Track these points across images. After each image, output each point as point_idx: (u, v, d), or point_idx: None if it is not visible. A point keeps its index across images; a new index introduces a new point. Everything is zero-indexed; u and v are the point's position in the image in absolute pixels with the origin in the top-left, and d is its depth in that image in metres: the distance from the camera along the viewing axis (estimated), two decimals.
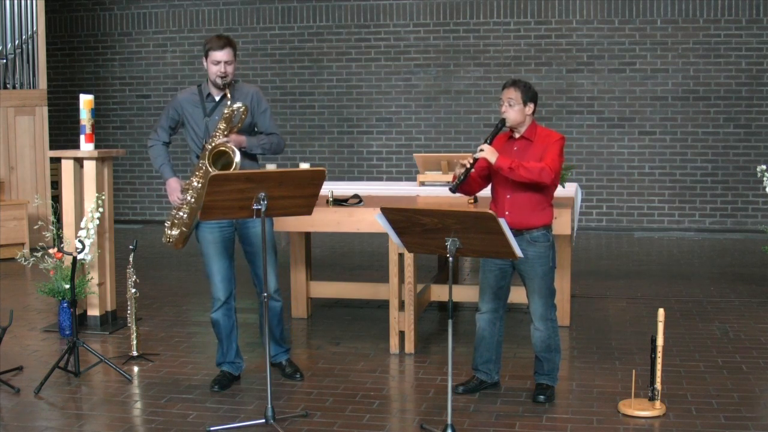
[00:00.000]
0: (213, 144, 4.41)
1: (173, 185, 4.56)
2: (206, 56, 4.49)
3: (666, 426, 4.00)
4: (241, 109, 4.44)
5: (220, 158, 4.39)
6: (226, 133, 4.43)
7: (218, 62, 4.45)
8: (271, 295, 4.67)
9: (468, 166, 4.21)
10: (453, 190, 4.31)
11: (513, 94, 4.24)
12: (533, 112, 4.29)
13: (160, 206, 11.75)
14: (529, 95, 4.26)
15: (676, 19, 10.26)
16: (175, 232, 4.59)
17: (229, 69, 4.47)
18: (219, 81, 4.47)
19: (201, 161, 4.46)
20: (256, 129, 4.67)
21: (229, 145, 4.39)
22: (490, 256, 4.13)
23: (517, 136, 4.32)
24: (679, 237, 10.12)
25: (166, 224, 4.63)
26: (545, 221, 4.29)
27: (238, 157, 4.36)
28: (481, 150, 4.17)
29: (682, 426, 3.98)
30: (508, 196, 4.27)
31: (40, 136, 9.26)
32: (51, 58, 11.03)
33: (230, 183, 3.89)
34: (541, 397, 4.32)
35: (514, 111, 4.24)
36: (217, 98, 4.56)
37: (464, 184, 4.33)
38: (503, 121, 4.27)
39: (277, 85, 11.22)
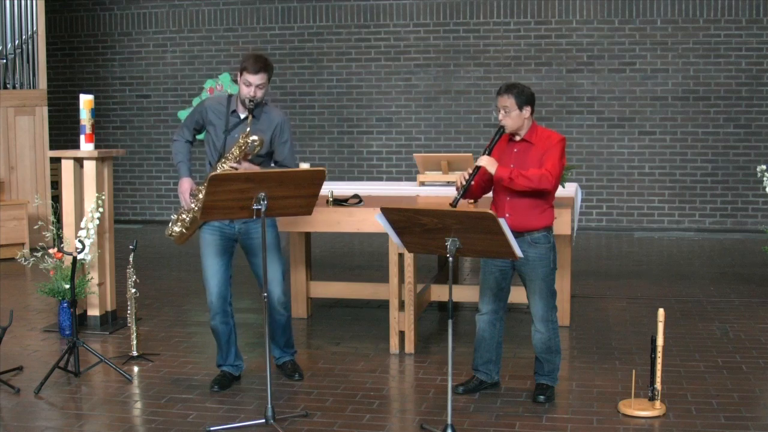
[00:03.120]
0: (221, 169, 4.37)
1: (185, 186, 4.55)
2: (240, 74, 4.42)
3: (666, 426, 4.00)
4: (256, 143, 4.41)
5: None
6: (238, 159, 4.41)
7: (250, 84, 4.39)
8: (275, 306, 4.62)
9: (467, 178, 4.20)
10: (454, 205, 4.21)
11: (507, 102, 4.19)
12: (531, 114, 4.27)
13: (160, 206, 11.75)
14: (523, 99, 4.20)
15: (676, 19, 10.26)
16: (177, 229, 4.64)
17: (260, 93, 4.41)
18: (247, 103, 4.41)
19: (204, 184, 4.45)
20: (273, 157, 4.62)
21: (237, 172, 4.36)
22: (490, 257, 4.13)
23: (517, 139, 4.30)
24: (679, 237, 10.12)
25: (172, 217, 4.67)
26: (546, 223, 4.29)
27: None
28: (480, 160, 4.16)
29: (682, 426, 3.99)
30: (508, 199, 4.25)
31: (40, 136, 9.25)
32: (51, 58, 11.03)
33: (230, 183, 3.89)
34: (541, 397, 4.32)
35: (510, 118, 4.21)
36: (242, 116, 4.51)
37: (467, 191, 4.31)
38: (502, 129, 4.24)
39: (277, 85, 11.20)
